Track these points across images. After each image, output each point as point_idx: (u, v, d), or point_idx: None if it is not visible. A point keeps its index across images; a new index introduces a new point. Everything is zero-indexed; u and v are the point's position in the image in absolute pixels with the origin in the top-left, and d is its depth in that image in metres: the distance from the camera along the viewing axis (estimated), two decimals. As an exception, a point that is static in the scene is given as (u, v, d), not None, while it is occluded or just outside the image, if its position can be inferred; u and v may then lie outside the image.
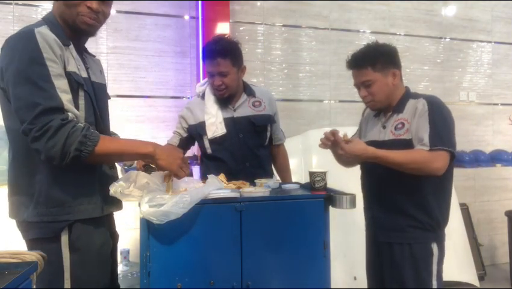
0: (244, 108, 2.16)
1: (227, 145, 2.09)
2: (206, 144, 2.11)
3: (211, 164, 2.15)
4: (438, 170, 1.67)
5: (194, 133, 2.15)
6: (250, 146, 2.13)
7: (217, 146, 2.09)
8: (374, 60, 1.82)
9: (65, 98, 1.32)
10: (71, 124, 1.29)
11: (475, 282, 3.30)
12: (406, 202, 1.77)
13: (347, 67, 1.91)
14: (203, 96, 2.18)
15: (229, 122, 2.10)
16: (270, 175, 2.19)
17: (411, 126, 1.75)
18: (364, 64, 1.83)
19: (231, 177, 1.86)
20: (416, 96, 1.86)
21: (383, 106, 1.88)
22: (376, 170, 1.79)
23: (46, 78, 1.30)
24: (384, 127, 1.87)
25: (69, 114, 1.31)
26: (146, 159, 1.49)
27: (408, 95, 1.87)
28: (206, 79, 2.22)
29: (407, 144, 1.75)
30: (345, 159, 1.76)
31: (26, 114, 1.28)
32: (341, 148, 1.66)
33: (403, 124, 1.80)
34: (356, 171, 2.03)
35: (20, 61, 1.29)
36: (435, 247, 1.77)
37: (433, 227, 1.78)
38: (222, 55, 2.01)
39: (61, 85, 1.33)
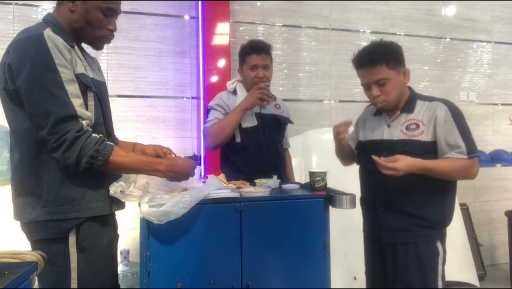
0: (269, 108, 2.38)
1: (255, 137, 2.28)
2: (237, 133, 2.26)
3: (235, 154, 2.30)
4: (476, 175, 1.76)
5: None
6: (274, 140, 2.35)
7: (246, 136, 2.26)
8: (388, 57, 1.76)
9: (78, 103, 1.35)
10: (85, 136, 1.33)
11: (475, 282, 3.30)
12: (413, 201, 1.76)
13: (356, 65, 1.83)
14: (234, 92, 2.38)
15: (257, 117, 2.30)
16: (285, 171, 2.39)
17: (435, 131, 1.74)
18: (377, 62, 1.76)
19: (253, 167, 2.18)
20: (424, 97, 1.85)
21: (394, 106, 1.84)
22: (381, 170, 1.73)
23: (59, 84, 1.32)
24: (389, 126, 1.84)
25: (83, 122, 1.35)
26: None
27: (414, 96, 1.86)
28: (235, 79, 2.46)
29: (425, 146, 1.74)
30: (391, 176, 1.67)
31: (41, 122, 1.32)
32: (390, 167, 1.62)
33: (417, 125, 1.78)
34: (355, 171, 2.03)
35: (32, 67, 1.30)
36: (439, 246, 1.76)
37: (440, 225, 1.78)
38: (267, 50, 2.33)
39: (73, 90, 1.35)
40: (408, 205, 1.77)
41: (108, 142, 1.39)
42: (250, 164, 2.23)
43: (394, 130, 1.82)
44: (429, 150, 1.75)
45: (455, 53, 4.29)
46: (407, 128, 1.79)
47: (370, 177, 1.88)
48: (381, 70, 1.75)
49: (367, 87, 1.83)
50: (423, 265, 1.73)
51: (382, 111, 1.89)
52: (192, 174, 1.57)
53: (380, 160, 1.65)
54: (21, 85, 1.32)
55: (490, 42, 4.41)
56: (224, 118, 2.25)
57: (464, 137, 1.72)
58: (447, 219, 1.81)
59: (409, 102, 1.84)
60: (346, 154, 2.06)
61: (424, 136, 1.75)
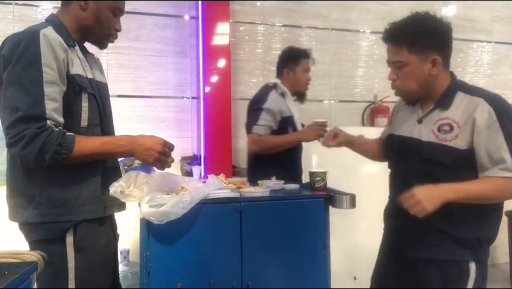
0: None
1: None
2: None
3: (284, 158, 2.39)
4: None
5: (284, 125, 2.42)
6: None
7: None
8: (413, 39, 1.45)
9: (52, 106, 1.32)
10: (46, 132, 1.29)
11: (475, 282, 3.29)
12: (442, 213, 1.37)
13: (383, 39, 1.56)
14: (282, 94, 2.49)
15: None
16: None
17: (472, 137, 1.40)
18: (400, 41, 1.48)
19: (297, 165, 2.50)
20: (468, 88, 1.51)
21: (413, 98, 1.57)
22: (413, 174, 1.52)
23: (37, 84, 1.30)
24: (420, 122, 1.54)
25: (48, 121, 1.30)
26: (126, 155, 1.52)
27: (455, 86, 1.51)
28: (274, 80, 2.58)
29: (457, 155, 1.42)
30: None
31: (7, 116, 1.30)
32: (412, 206, 1.34)
33: (451, 127, 1.44)
34: (355, 171, 2.03)
35: (18, 62, 1.30)
36: (472, 267, 1.45)
37: (470, 244, 1.46)
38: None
39: (51, 92, 1.32)
40: (436, 217, 1.37)
41: (69, 134, 1.34)
42: (295, 163, 2.48)
43: (425, 129, 1.51)
44: (463, 159, 1.42)
45: (455, 53, 4.22)
46: (439, 129, 1.46)
47: (396, 179, 1.63)
48: (400, 52, 1.48)
49: (389, 66, 1.57)
50: (447, 287, 1.47)
51: (407, 101, 1.63)
52: (160, 152, 1.45)
53: (400, 201, 1.39)
54: (5, 76, 1.32)
55: (490, 42, 4.41)
56: (281, 138, 2.37)
57: (510, 147, 1.35)
58: (483, 239, 1.47)
59: (446, 94, 1.50)
60: (361, 152, 1.92)
61: (459, 142, 1.41)
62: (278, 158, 2.34)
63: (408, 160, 1.55)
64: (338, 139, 1.83)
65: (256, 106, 2.40)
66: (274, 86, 2.51)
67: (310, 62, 2.59)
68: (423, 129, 1.52)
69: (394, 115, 1.74)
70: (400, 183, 1.59)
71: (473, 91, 1.49)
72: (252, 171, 2.47)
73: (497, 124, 1.37)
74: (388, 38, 1.53)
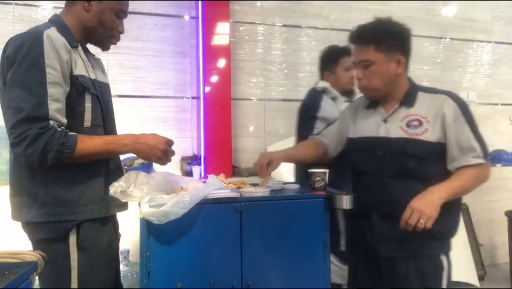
0: None
1: None
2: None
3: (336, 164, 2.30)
4: (489, 177, 1.56)
5: None
6: None
7: None
8: (379, 38, 1.58)
9: (55, 107, 1.32)
10: (49, 132, 1.30)
11: (475, 282, 3.30)
12: None
13: (349, 40, 1.68)
14: (333, 98, 2.42)
15: None
16: None
17: (443, 131, 1.53)
18: (367, 41, 1.59)
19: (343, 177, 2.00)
20: (426, 89, 1.65)
21: (378, 96, 1.66)
22: (384, 171, 1.59)
23: (41, 84, 1.30)
24: (386, 121, 1.63)
25: (50, 122, 1.31)
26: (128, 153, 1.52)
27: (415, 87, 1.66)
28: (323, 82, 2.47)
29: (428, 148, 1.53)
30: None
31: (11, 117, 1.31)
32: (415, 215, 1.39)
33: (419, 122, 1.55)
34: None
35: (21, 63, 1.30)
36: (444, 259, 1.56)
37: (443, 236, 1.56)
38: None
39: (55, 93, 1.33)
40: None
41: (71, 133, 1.35)
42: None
43: (392, 127, 1.60)
44: (433, 152, 1.54)
45: (455, 53, 4.29)
46: (407, 125, 1.57)
47: (363, 180, 1.68)
48: (367, 51, 1.59)
49: (354, 67, 1.68)
50: (426, 282, 1.53)
51: (370, 99, 1.71)
52: (164, 150, 1.48)
53: (404, 222, 1.42)
54: (9, 77, 1.32)
55: (490, 42, 4.41)
56: None
57: (477, 137, 1.51)
58: (451, 229, 1.60)
59: (409, 94, 1.63)
60: (303, 161, 1.94)
61: (429, 135, 1.53)
62: (333, 163, 2.28)
63: (377, 159, 1.62)
64: (272, 166, 1.74)
65: (310, 114, 2.31)
66: (323, 91, 2.42)
67: (352, 58, 2.54)
68: (390, 127, 1.62)
69: (349, 118, 1.79)
70: (368, 183, 1.65)
71: (431, 90, 1.64)
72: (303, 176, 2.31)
73: (462, 118, 1.53)
74: (356, 38, 1.65)
